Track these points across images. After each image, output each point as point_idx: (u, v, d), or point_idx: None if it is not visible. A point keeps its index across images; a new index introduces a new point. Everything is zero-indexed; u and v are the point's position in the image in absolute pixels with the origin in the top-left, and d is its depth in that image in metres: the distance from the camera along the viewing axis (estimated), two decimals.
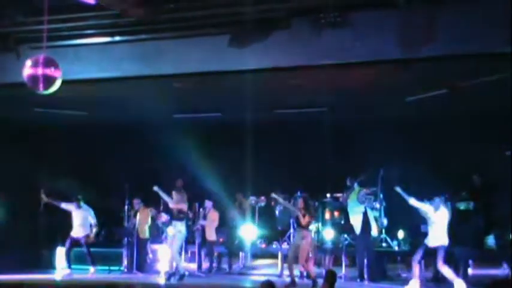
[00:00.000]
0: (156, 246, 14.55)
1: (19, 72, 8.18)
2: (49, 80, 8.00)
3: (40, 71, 7.93)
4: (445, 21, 8.87)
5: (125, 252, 14.50)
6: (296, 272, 12.34)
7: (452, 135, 13.74)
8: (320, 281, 10.35)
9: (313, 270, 11.90)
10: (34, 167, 15.15)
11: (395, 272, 13.44)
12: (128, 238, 14.51)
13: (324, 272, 10.63)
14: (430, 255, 11.49)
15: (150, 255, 14.80)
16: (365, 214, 12.97)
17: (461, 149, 13.84)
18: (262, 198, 15.23)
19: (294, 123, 15.03)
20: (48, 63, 8.01)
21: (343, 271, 12.90)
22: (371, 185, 13.81)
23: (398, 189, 11.65)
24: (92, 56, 10.89)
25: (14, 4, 9.79)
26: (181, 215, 12.73)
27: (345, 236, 13.66)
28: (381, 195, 13.60)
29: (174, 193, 12.92)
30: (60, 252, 14.31)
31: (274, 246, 14.74)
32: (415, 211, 11.75)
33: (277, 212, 15.20)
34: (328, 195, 14.97)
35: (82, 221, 13.87)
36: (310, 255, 12.19)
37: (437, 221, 11.23)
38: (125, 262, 14.42)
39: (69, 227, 13.91)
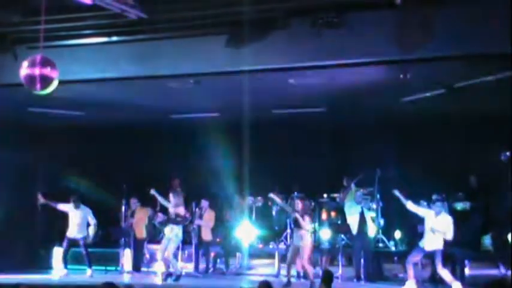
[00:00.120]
0: (153, 246, 14.55)
1: (16, 72, 8.17)
2: (46, 80, 7.99)
3: (37, 71, 7.92)
4: (444, 21, 8.85)
5: (121, 252, 14.49)
6: (293, 272, 12.37)
7: (449, 136, 13.76)
8: (317, 281, 10.38)
9: (312, 270, 11.91)
10: (31, 166, 15.15)
11: (392, 272, 13.44)
12: (125, 238, 14.51)
13: (320, 272, 10.66)
14: (428, 258, 11.53)
15: (147, 256, 14.81)
16: (362, 214, 12.98)
17: (458, 150, 13.87)
18: (260, 198, 15.26)
19: (291, 123, 15.02)
20: (45, 63, 8.01)
21: (339, 271, 12.90)
22: (368, 185, 13.86)
23: (396, 192, 11.69)
24: (89, 56, 10.86)
25: (11, 4, 9.76)
26: (178, 219, 12.73)
27: (342, 236, 13.69)
28: (378, 196, 13.65)
29: (171, 195, 12.93)
30: (58, 252, 14.30)
31: (271, 246, 14.76)
32: (411, 211, 11.78)
33: (274, 212, 15.22)
34: (325, 195, 15.01)
35: (79, 221, 13.83)
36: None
37: (438, 226, 11.23)
38: (122, 262, 14.42)
39: (67, 227, 13.89)
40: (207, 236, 14.12)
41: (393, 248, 13.76)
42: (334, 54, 9.73)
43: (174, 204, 12.79)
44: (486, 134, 12.94)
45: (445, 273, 11.08)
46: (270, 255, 14.63)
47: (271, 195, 13.06)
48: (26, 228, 15.19)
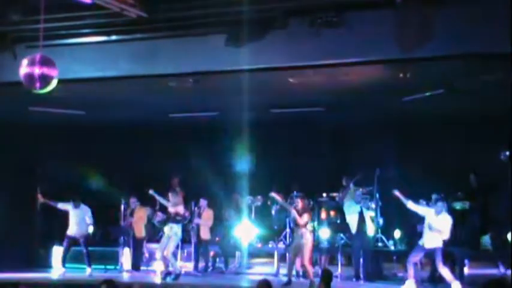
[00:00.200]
0: (152, 245, 14.54)
1: (16, 71, 8.17)
2: (45, 79, 7.98)
3: (37, 70, 7.90)
4: (444, 21, 8.84)
5: (120, 251, 14.49)
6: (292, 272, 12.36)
7: (449, 136, 13.76)
8: (317, 281, 10.38)
9: (312, 270, 11.91)
10: (31, 166, 15.14)
11: (391, 271, 13.45)
12: (124, 237, 14.51)
13: (320, 271, 10.66)
14: (428, 257, 11.52)
15: (146, 255, 14.81)
16: (361, 214, 12.98)
17: (458, 150, 13.87)
18: (259, 197, 15.24)
19: (290, 122, 15.02)
20: (45, 62, 7.99)
21: (339, 270, 12.92)
22: (367, 185, 13.85)
23: (396, 192, 11.69)
24: (88, 55, 10.85)
25: (10, 3, 9.75)
26: (178, 218, 12.74)
27: (341, 235, 13.69)
28: (377, 195, 13.64)
29: (170, 195, 12.94)
30: (57, 251, 14.30)
31: (270, 245, 14.75)
32: (411, 211, 11.78)
33: (273, 212, 15.21)
34: (324, 194, 14.99)
35: (79, 220, 13.84)
36: None
37: (437, 225, 11.23)
38: (121, 261, 14.41)
39: (67, 226, 13.89)
40: (205, 235, 14.11)
41: (392, 248, 13.75)
42: (333, 53, 9.71)
43: (173, 203, 12.80)
44: (486, 133, 12.95)
45: (445, 272, 11.08)
46: (269, 255, 14.66)
47: (272, 194, 13.04)
48: (26, 228, 15.18)
